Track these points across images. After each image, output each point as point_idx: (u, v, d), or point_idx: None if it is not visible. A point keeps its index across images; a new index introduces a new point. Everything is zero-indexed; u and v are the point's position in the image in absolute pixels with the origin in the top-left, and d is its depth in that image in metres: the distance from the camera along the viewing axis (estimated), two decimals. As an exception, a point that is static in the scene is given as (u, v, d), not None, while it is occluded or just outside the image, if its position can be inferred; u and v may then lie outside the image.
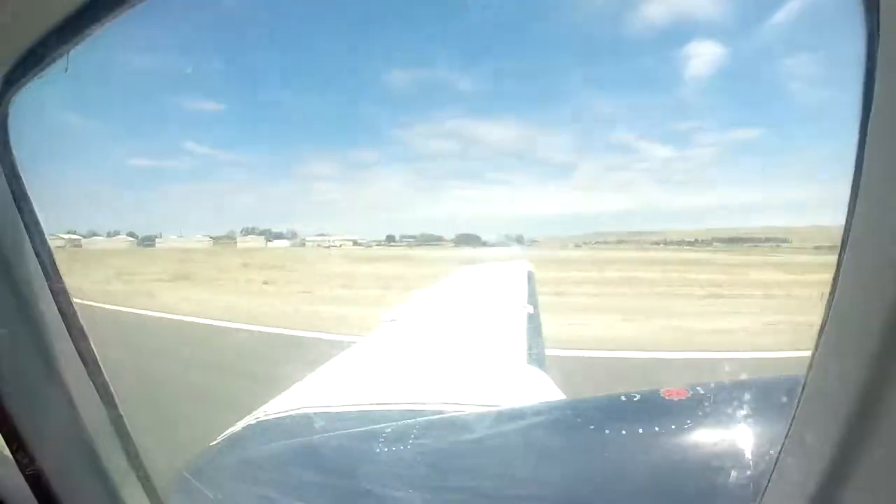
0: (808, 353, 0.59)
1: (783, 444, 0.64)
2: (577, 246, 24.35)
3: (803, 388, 0.60)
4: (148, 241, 24.22)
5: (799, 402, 0.61)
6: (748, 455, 0.91)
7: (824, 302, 0.56)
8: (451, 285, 4.64)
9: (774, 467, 0.67)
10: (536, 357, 2.38)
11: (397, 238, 25.99)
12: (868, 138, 0.49)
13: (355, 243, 26.02)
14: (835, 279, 0.54)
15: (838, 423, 0.53)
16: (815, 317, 0.58)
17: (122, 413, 0.92)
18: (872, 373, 0.50)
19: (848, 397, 0.52)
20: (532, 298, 3.66)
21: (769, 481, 0.68)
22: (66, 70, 0.74)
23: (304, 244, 25.90)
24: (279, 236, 26.87)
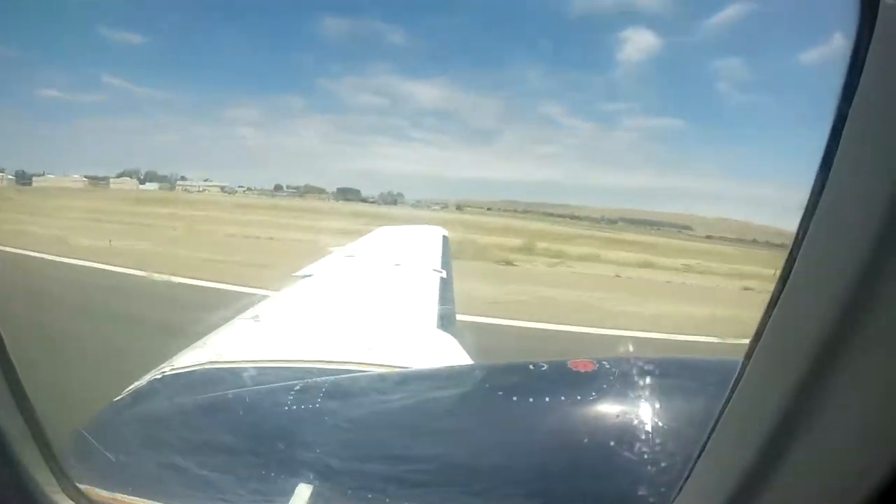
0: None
1: (714, 425, 0.66)
2: (459, 208, 25.38)
3: (741, 374, 0.62)
4: (25, 180, 23.41)
5: (734, 387, 0.63)
6: (650, 428, 0.97)
7: (771, 292, 0.57)
8: (367, 245, 4.58)
9: (704, 447, 0.69)
10: (446, 322, 2.46)
11: (284, 188, 27.24)
12: (842, 139, 0.50)
13: (222, 189, 27.19)
14: (785, 271, 0.56)
15: (776, 411, 0.55)
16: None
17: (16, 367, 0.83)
18: (814, 367, 0.51)
19: (788, 388, 0.54)
20: (445, 264, 3.75)
21: (696, 461, 0.70)
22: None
23: (172, 188, 26.58)
24: (163, 179, 27.23)
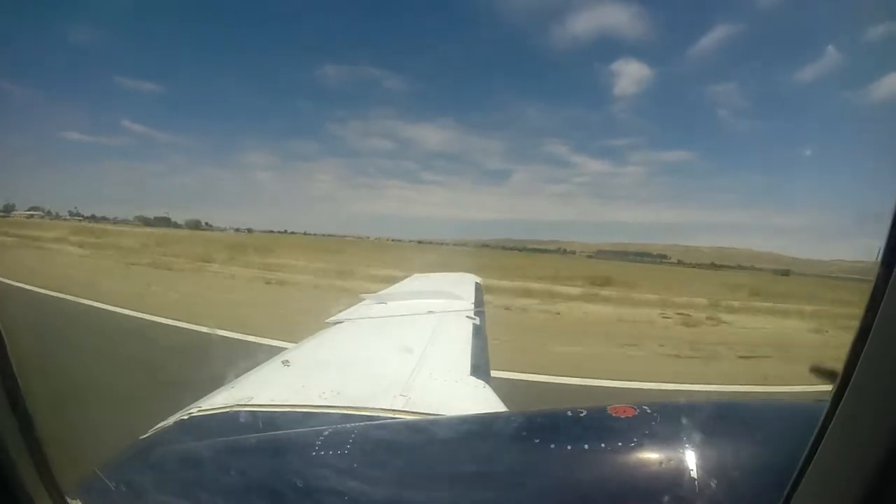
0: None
1: (800, 474, 0.61)
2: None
3: (829, 419, 0.57)
4: None
5: (821, 433, 0.58)
6: (695, 476, 0.91)
7: (852, 340, 0.53)
8: (400, 292, 4.60)
9: (790, 495, 0.63)
10: (480, 369, 2.39)
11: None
12: None
13: (41, 216, 36.77)
14: (872, 306, 0.51)
15: (877, 455, 0.50)
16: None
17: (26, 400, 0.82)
18: None
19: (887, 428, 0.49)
20: (479, 311, 3.70)
21: None
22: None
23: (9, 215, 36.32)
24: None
